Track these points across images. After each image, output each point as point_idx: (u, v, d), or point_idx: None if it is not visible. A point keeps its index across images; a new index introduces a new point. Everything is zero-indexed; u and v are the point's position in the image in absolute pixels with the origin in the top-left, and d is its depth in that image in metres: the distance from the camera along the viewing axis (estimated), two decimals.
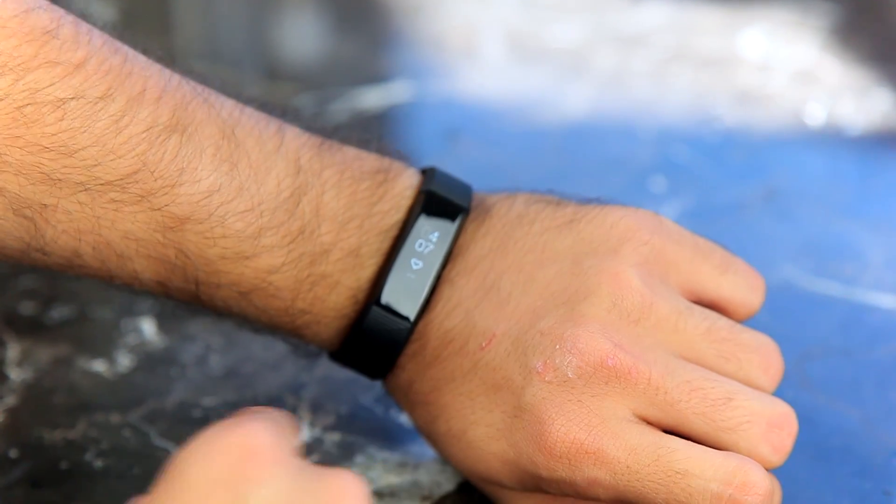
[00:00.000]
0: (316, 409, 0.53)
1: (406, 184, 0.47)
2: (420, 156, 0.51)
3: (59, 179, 0.42)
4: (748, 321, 0.47)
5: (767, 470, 0.42)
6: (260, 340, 0.55)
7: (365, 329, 0.46)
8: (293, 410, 0.53)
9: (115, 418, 0.52)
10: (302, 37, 1.01)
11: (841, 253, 0.64)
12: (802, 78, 0.86)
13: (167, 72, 0.45)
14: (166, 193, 0.43)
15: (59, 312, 0.60)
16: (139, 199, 0.43)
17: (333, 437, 0.51)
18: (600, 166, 0.74)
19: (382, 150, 0.48)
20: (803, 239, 0.66)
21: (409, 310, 0.45)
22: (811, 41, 0.92)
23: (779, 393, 0.45)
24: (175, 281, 0.45)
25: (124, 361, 0.56)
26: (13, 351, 0.57)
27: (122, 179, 0.43)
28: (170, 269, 0.45)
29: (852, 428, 0.51)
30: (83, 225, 0.43)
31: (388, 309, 0.45)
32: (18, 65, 0.41)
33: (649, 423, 0.43)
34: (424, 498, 0.48)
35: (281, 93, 0.85)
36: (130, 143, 0.42)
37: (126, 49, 0.44)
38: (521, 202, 0.47)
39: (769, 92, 0.84)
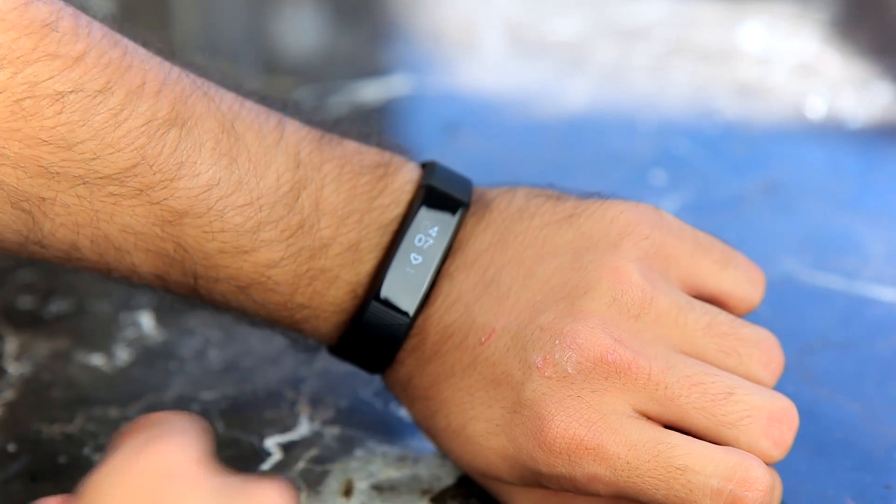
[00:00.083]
0: (315, 403, 0.53)
1: (406, 178, 0.47)
2: (419, 149, 0.50)
3: (58, 173, 0.42)
4: (749, 315, 0.47)
5: (768, 464, 0.42)
6: (259, 334, 0.55)
7: (364, 324, 0.46)
8: (292, 404, 0.53)
9: (113, 412, 0.52)
10: (301, 30, 1.01)
11: (841, 246, 0.64)
12: (803, 71, 0.86)
13: (167, 65, 0.44)
14: (165, 187, 0.43)
15: (57, 306, 0.60)
16: (138, 192, 0.43)
17: (333, 431, 0.51)
18: (600, 160, 0.74)
19: (383, 144, 0.48)
20: (804, 232, 0.66)
21: (409, 304, 0.45)
22: (811, 34, 0.92)
23: (779, 387, 0.45)
24: (173, 275, 0.45)
25: (123, 355, 0.56)
26: (11, 345, 0.57)
27: (120, 173, 0.42)
28: (168, 263, 0.45)
29: (853, 421, 0.51)
30: (81, 218, 0.43)
31: (388, 304, 0.45)
32: (17, 58, 0.41)
33: (649, 418, 0.43)
34: (424, 492, 0.48)
35: (280, 86, 0.85)
36: (129, 137, 0.42)
37: (126, 42, 0.44)
38: (521, 196, 0.47)
39: (769, 85, 0.84)
